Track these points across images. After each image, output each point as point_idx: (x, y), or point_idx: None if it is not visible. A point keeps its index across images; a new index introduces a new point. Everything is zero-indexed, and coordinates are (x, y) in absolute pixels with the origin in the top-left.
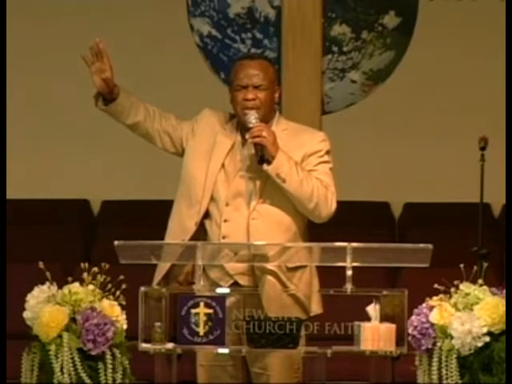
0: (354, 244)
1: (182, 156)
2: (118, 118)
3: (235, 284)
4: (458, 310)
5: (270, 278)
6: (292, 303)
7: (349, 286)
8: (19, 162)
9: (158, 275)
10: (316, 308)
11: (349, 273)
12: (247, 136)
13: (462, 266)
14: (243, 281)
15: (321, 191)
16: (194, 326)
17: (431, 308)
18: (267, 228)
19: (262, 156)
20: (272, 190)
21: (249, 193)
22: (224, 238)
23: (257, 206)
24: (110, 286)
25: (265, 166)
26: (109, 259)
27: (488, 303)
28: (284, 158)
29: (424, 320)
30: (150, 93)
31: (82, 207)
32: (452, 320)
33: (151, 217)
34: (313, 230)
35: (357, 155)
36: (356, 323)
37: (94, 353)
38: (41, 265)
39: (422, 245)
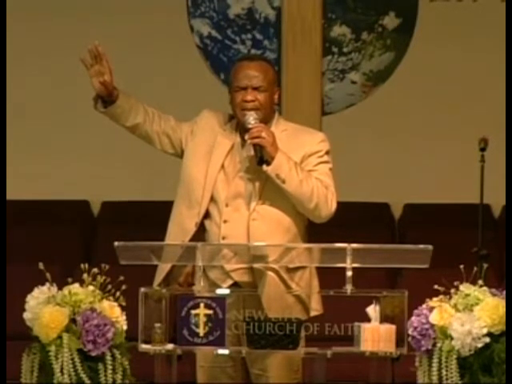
0: (354, 245)
1: (181, 157)
2: (118, 120)
3: (235, 285)
4: (458, 310)
5: (270, 278)
6: (294, 303)
7: (349, 287)
8: (19, 162)
9: (159, 276)
10: (317, 308)
11: (349, 274)
12: (246, 137)
13: (461, 266)
14: (243, 282)
15: (321, 191)
16: (193, 327)
17: (431, 309)
18: (267, 229)
19: (261, 157)
20: (272, 191)
21: (248, 194)
22: (224, 238)
23: (256, 207)
24: (109, 286)
25: (264, 167)
26: (109, 260)
27: (488, 304)
28: (283, 159)
29: (424, 321)
30: (149, 93)
31: (82, 208)
32: (452, 321)
33: (151, 217)
34: (313, 231)
35: (357, 156)
36: (356, 324)
37: (93, 354)
38: (41, 265)
39: (421, 246)
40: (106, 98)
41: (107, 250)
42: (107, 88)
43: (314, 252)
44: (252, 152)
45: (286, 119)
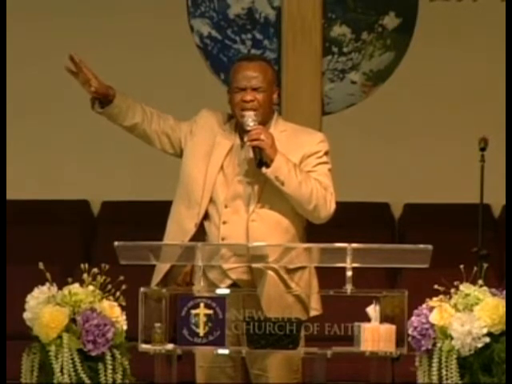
0: (354, 245)
1: (180, 157)
2: (115, 120)
3: (233, 285)
4: (458, 310)
5: (270, 277)
6: (294, 302)
7: (349, 287)
8: (19, 162)
9: (157, 276)
10: (316, 307)
11: (349, 273)
12: (245, 139)
13: (462, 266)
14: (242, 282)
15: (320, 193)
16: (193, 327)
17: (431, 309)
18: (266, 230)
19: (260, 159)
20: (271, 193)
21: (247, 195)
22: (223, 239)
23: (256, 209)
24: (109, 286)
25: (263, 169)
26: (109, 260)
27: (488, 304)
28: (282, 161)
29: (424, 321)
30: (150, 93)
31: (82, 207)
32: (452, 321)
33: (151, 217)
34: (312, 231)
35: (357, 156)
36: (356, 324)
37: (93, 353)
38: (41, 265)
39: (421, 245)
40: (103, 99)
41: (107, 249)
42: (99, 92)
43: (314, 252)
44: (251, 154)
45: (286, 119)
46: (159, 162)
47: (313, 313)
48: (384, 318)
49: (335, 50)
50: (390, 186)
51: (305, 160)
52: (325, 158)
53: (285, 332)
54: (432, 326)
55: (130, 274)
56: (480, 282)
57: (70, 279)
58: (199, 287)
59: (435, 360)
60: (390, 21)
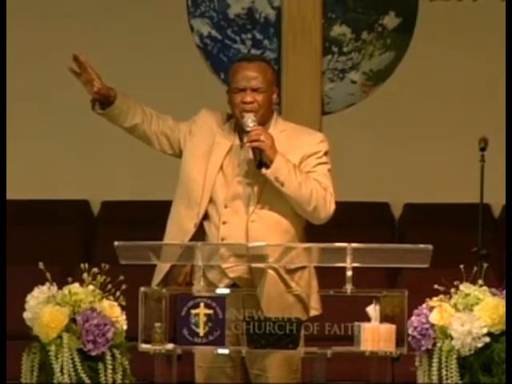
0: (354, 244)
1: (179, 157)
2: (116, 121)
3: (233, 285)
4: (457, 310)
5: (270, 277)
6: (294, 302)
7: (349, 287)
8: (19, 162)
9: (158, 276)
10: (316, 307)
11: (349, 273)
12: (245, 140)
13: (462, 266)
14: (241, 281)
15: (319, 193)
16: (193, 327)
17: (431, 309)
18: (266, 230)
19: (260, 160)
20: (270, 194)
21: (247, 196)
22: (223, 239)
23: (255, 210)
24: (109, 286)
25: (263, 170)
26: (109, 259)
27: (488, 304)
28: (282, 162)
29: (424, 321)
30: (150, 93)
31: (82, 207)
32: (452, 321)
33: (151, 217)
34: (312, 231)
35: (357, 156)
36: (356, 324)
37: (93, 353)
38: (41, 265)
39: (421, 245)
40: (103, 101)
41: (107, 249)
42: (101, 93)
43: (314, 252)
44: (250, 154)
45: (286, 119)
46: (159, 162)
47: (313, 312)
48: (384, 318)
49: (335, 49)
50: (390, 186)
51: (304, 160)
52: (324, 159)
53: (285, 332)
54: (432, 325)
55: (130, 274)
56: (480, 281)
57: (70, 279)
58: (199, 287)
59: (435, 360)
60: (390, 21)
